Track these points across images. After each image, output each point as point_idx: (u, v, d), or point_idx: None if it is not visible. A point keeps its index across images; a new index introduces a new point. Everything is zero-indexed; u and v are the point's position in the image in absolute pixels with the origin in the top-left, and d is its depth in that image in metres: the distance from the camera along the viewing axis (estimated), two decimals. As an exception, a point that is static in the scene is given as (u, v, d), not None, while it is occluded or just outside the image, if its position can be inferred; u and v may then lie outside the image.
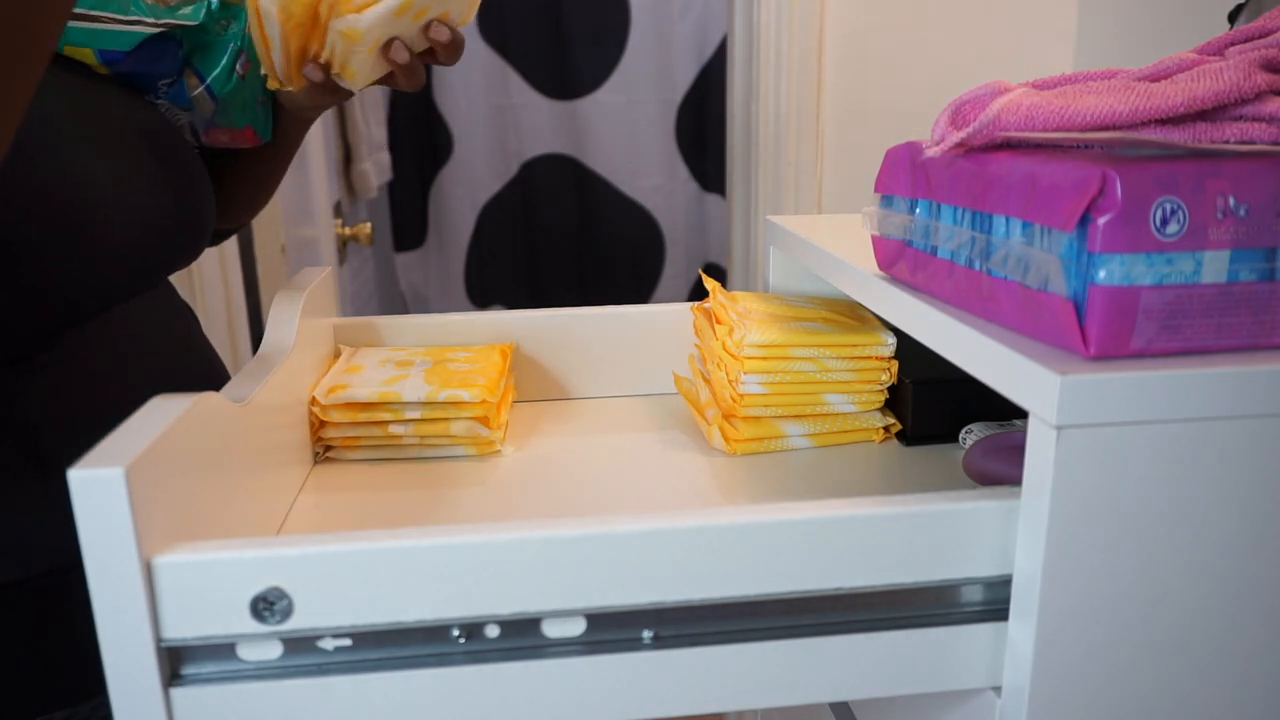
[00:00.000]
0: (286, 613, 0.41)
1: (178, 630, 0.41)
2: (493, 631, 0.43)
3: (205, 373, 0.67)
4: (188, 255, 0.68)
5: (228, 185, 0.76)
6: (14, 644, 0.53)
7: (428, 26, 0.63)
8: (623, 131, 2.77)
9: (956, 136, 0.47)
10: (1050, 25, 1.53)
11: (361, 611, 0.42)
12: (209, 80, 0.65)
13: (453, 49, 0.65)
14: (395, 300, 2.88)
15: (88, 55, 0.59)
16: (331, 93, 0.66)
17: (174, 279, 0.70)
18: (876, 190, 0.57)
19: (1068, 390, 0.39)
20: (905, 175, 0.53)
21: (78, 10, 0.57)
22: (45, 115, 0.53)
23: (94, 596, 0.40)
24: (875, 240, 0.58)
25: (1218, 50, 0.46)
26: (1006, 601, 0.45)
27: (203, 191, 0.68)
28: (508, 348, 0.79)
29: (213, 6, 0.61)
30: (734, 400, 0.69)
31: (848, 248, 0.65)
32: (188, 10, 0.60)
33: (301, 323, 0.67)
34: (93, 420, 0.47)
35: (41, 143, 0.52)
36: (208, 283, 1.28)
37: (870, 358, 0.70)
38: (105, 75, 0.61)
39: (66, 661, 0.54)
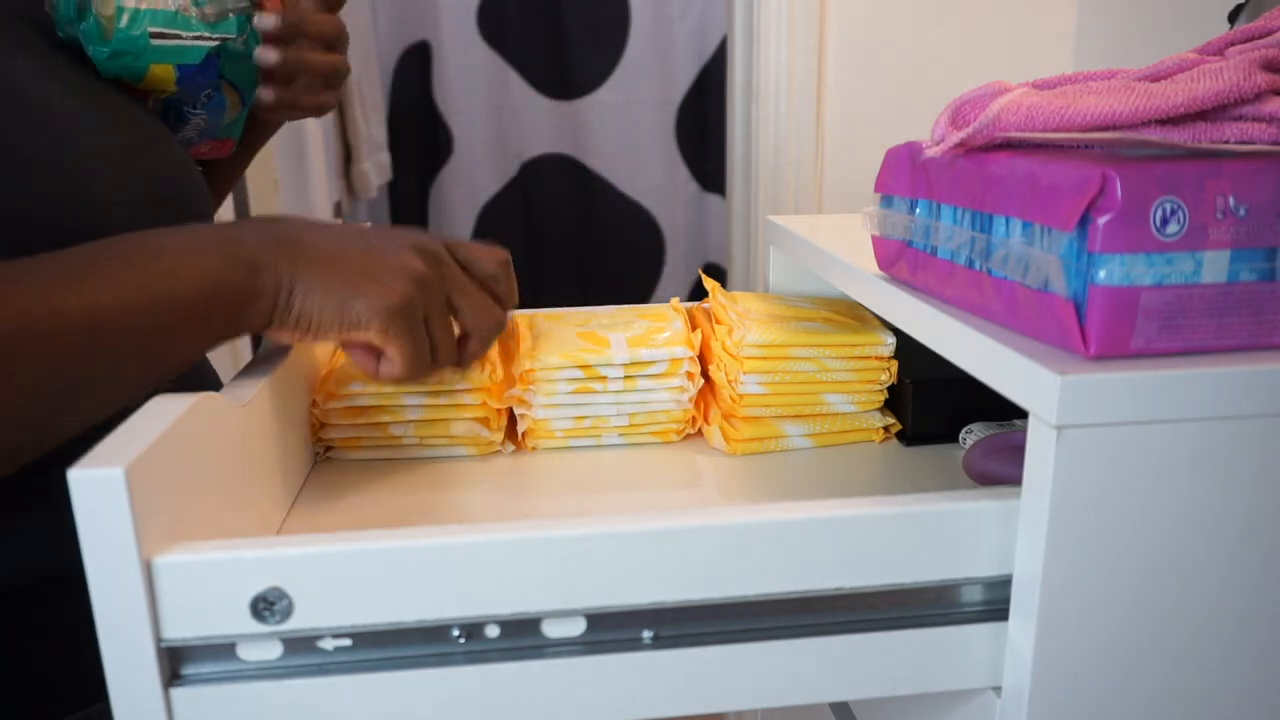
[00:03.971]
0: (286, 613, 0.41)
1: (178, 630, 0.41)
2: (493, 631, 0.43)
3: (193, 378, 0.67)
4: None
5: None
6: (9, 654, 0.53)
7: None
8: (623, 131, 2.77)
9: (956, 136, 0.47)
10: (1050, 25, 1.53)
11: (361, 611, 0.42)
12: (242, 88, 0.68)
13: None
14: (395, 300, 2.88)
15: (168, 71, 0.62)
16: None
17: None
18: (876, 190, 0.57)
19: (1068, 390, 0.39)
20: (905, 175, 0.53)
21: (156, 30, 0.60)
22: (62, 134, 0.53)
23: (94, 597, 0.40)
24: (875, 240, 0.58)
25: (1218, 50, 0.46)
26: (1006, 601, 0.45)
27: (202, 208, 0.68)
28: (508, 348, 0.79)
29: (240, 20, 0.65)
30: (734, 400, 0.69)
31: (848, 248, 0.65)
32: (228, 23, 0.64)
33: (301, 323, 0.67)
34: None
35: (38, 149, 0.52)
36: (208, 283, 1.28)
37: (870, 358, 0.70)
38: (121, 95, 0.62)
39: (63, 671, 0.54)
